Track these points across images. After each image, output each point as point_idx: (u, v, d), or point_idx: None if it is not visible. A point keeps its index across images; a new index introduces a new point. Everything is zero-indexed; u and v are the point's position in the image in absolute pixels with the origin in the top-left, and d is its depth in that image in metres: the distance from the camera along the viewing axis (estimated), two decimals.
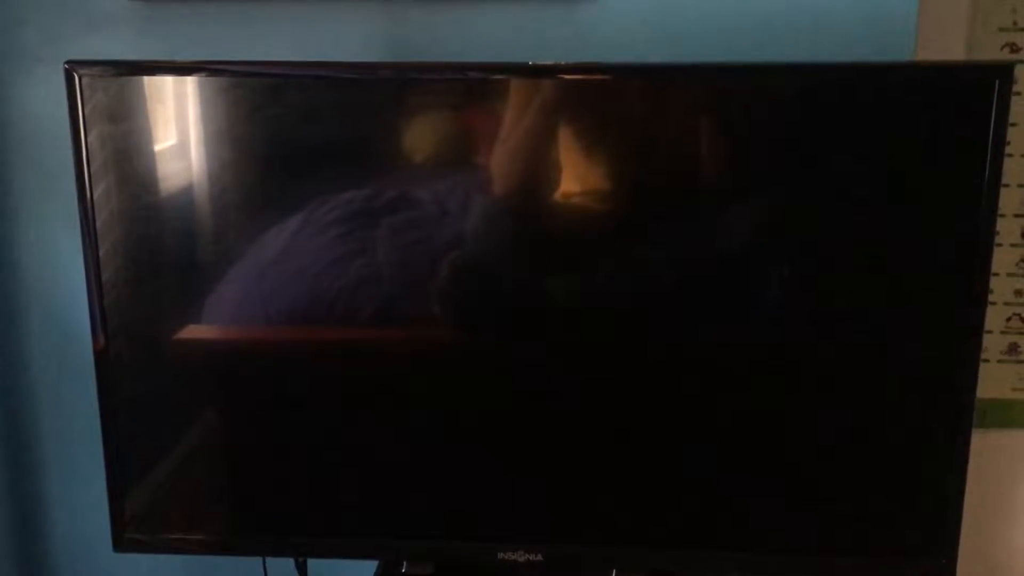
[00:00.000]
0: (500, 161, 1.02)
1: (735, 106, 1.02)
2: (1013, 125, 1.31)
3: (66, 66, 1.02)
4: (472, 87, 1.03)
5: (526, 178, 1.03)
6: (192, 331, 1.09)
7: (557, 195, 1.03)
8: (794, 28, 1.18)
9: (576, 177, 1.02)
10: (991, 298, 1.40)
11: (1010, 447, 1.46)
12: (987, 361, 1.43)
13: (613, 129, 1.02)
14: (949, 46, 1.33)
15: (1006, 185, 1.35)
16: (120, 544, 1.15)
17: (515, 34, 1.21)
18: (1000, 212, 1.02)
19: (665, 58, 1.13)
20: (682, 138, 1.02)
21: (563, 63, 1.00)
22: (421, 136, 1.03)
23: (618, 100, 1.02)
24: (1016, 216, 1.39)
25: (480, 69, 1.02)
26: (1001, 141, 0.97)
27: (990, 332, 1.42)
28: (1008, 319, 1.43)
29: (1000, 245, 1.38)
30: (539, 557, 1.11)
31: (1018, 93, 1.34)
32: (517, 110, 1.00)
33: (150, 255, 1.07)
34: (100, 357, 1.09)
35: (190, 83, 1.02)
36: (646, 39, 1.20)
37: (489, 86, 1.02)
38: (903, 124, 0.99)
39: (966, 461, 1.05)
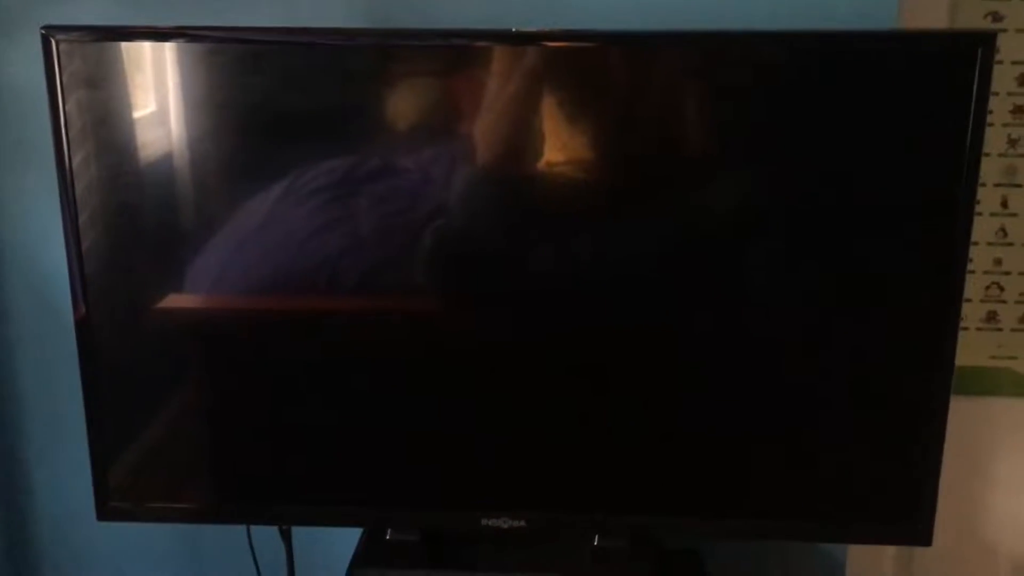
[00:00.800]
0: (484, 129, 1.01)
1: (717, 73, 1.01)
2: (994, 94, 1.31)
3: (43, 32, 1.00)
4: (455, 54, 1.02)
5: (510, 146, 1.02)
6: (174, 300, 1.08)
7: (541, 164, 1.02)
8: None
9: (560, 146, 1.02)
10: (970, 267, 1.40)
11: (988, 415, 1.48)
12: (966, 329, 1.44)
13: (596, 97, 1.02)
14: (932, 14, 1.33)
15: (987, 154, 1.36)
16: (104, 513, 1.15)
17: (499, 2, 1.20)
18: (981, 181, 1.02)
19: (648, 26, 1.13)
20: (665, 106, 1.02)
21: (547, 30, 1.00)
22: (404, 104, 1.02)
23: (601, 68, 1.01)
24: (996, 185, 1.40)
25: (463, 36, 1.01)
26: (983, 109, 0.97)
27: (969, 300, 1.43)
28: (987, 288, 1.44)
29: (980, 214, 1.39)
30: (522, 523, 1.11)
31: (1000, 62, 1.34)
32: (501, 78, 0.99)
33: (131, 223, 1.07)
34: (81, 326, 1.08)
35: (169, 49, 1.01)
36: (629, 6, 1.19)
37: (472, 53, 1.01)
38: (885, 92, 0.99)
39: (944, 428, 1.06)
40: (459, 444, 1.12)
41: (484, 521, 1.12)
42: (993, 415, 1.48)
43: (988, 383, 1.46)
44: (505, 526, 1.12)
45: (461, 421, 1.11)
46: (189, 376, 1.12)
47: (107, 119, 1.03)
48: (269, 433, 1.13)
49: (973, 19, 1.34)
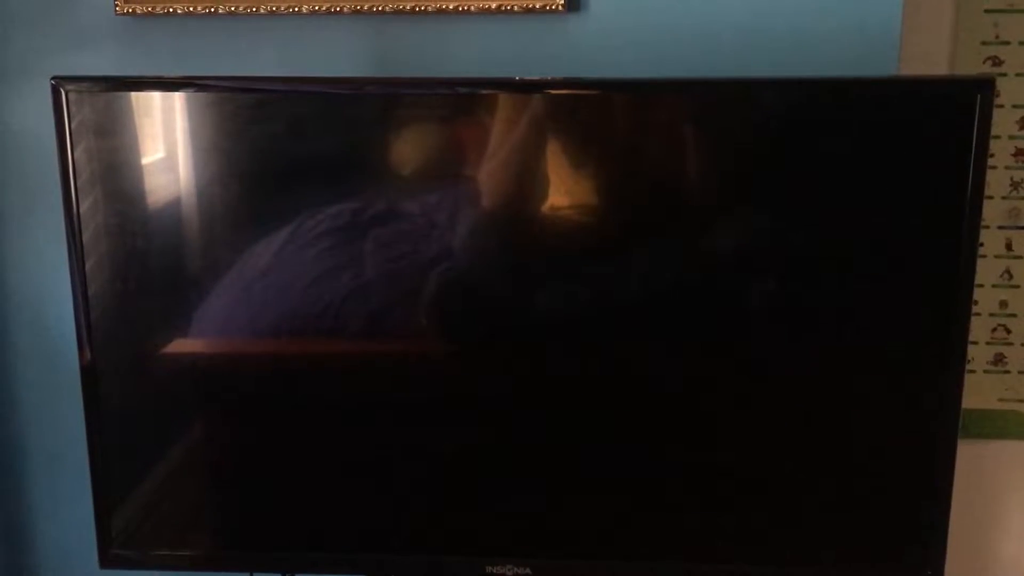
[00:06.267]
0: (488, 175, 1.02)
1: (720, 120, 1.02)
2: (996, 138, 1.32)
3: (53, 82, 1.01)
4: (460, 102, 1.03)
5: (514, 192, 1.03)
6: (179, 345, 1.08)
7: (545, 209, 1.03)
8: (779, 43, 1.18)
9: (563, 191, 1.03)
10: (976, 309, 1.41)
11: (996, 457, 1.47)
12: (973, 372, 1.43)
13: (600, 143, 1.03)
14: (932, 60, 1.34)
15: (989, 197, 1.36)
16: (106, 561, 1.14)
17: (503, 48, 1.22)
18: (984, 223, 1.02)
19: (651, 72, 1.14)
20: (668, 152, 1.03)
21: (550, 78, 1.01)
22: (409, 150, 1.03)
23: (605, 115, 1.02)
24: (1000, 228, 1.40)
25: (468, 84, 1.02)
26: (984, 153, 0.98)
27: (976, 343, 1.43)
28: (993, 330, 1.44)
29: (984, 256, 1.39)
30: (527, 571, 1.10)
31: (1001, 105, 1.35)
32: (505, 125, 1.00)
33: (137, 269, 1.07)
34: (87, 372, 1.08)
35: (177, 98, 1.02)
36: (632, 53, 1.20)
37: (477, 101, 1.02)
38: (887, 137, 0.99)
39: (952, 471, 1.06)
40: (463, 490, 1.11)
41: (489, 568, 1.11)
42: (1001, 457, 1.47)
43: (996, 426, 1.46)
44: (510, 574, 1.10)
45: (465, 466, 1.10)
46: (193, 422, 1.12)
47: (115, 166, 1.04)
48: (273, 479, 1.12)
49: (973, 64, 1.35)
